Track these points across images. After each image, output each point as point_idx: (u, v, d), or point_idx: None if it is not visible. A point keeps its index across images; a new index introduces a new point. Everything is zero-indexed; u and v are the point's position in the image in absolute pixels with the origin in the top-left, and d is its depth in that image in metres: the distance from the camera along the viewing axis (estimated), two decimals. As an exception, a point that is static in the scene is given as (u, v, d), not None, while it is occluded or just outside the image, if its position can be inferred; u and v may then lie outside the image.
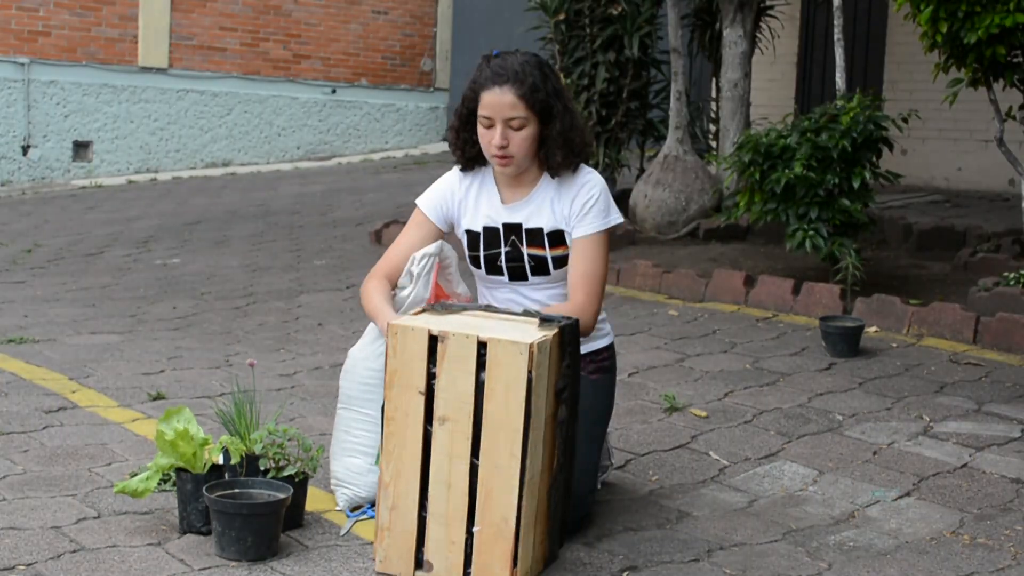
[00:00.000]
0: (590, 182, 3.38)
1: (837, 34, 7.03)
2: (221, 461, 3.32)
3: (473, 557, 2.95)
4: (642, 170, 8.91)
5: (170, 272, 7.79)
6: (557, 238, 3.37)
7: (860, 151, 6.14)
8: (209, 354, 5.41)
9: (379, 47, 15.15)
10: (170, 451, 3.22)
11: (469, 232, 3.44)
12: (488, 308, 3.20)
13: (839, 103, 6.36)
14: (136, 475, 3.30)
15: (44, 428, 4.19)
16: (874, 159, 6.27)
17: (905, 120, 6.21)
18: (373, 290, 3.35)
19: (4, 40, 12.64)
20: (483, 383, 2.89)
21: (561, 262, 3.38)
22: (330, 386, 4.65)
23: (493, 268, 3.42)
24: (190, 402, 4.51)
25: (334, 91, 14.79)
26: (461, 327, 2.95)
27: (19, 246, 9.05)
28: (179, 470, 3.23)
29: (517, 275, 3.40)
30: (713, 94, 9.52)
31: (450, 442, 2.93)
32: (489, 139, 3.30)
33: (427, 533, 2.97)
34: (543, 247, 3.37)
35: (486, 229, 3.41)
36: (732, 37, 8.06)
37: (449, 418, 2.93)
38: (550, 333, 2.97)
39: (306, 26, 14.55)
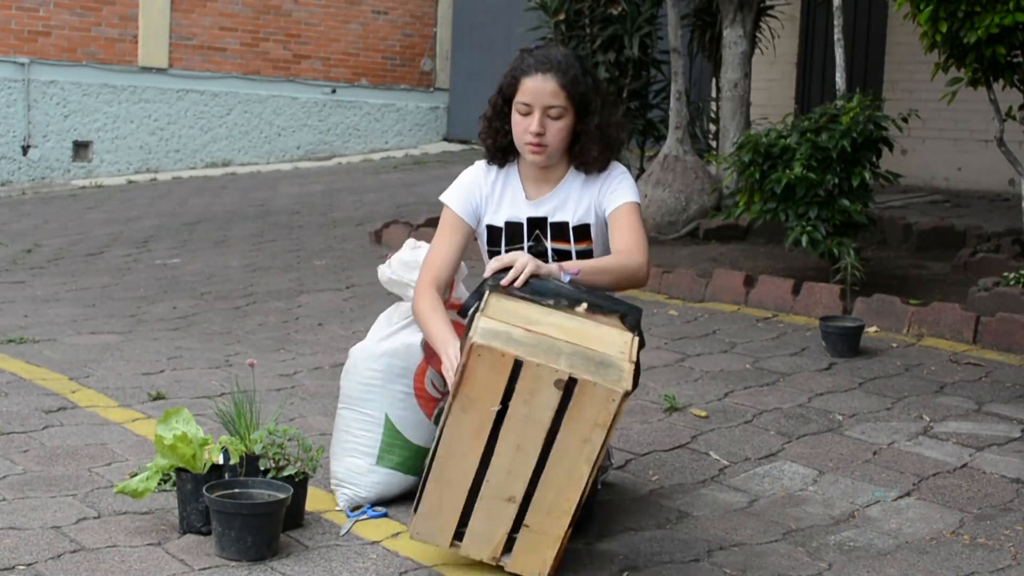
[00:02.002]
0: (619, 169, 3.39)
1: (837, 34, 7.03)
2: (221, 461, 3.32)
3: (514, 553, 2.96)
4: (642, 170, 8.91)
5: (170, 272, 7.79)
6: (582, 232, 3.36)
7: (860, 151, 6.14)
8: (209, 354, 5.41)
9: (379, 47, 15.15)
10: (170, 454, 3.22)
11: (491, 227, 3.41)
12: (543, 292, 3.02)
13: (839, 103, 6.36)
14: (136, 475, 3.30)
15: (44, 428, 4.19)
16: (874, 159, 6.27)
17: (905, 120, 6.21)
18: (432, 311, 3.23)
19: (4, 40, 12.64)
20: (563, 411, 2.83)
21: (584, 256, 3.36)
22: (330, 386, 4.65)
23: None
24: (190, 402, 4.51)
25: (334, 91, 14.79)
26: (548, 349, 2.82)
27: (19, 246, 9.05)
28: (179, 470, 3.23)
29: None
30: (713, 94, 9.52)
31: (513, 462, 2.89)
32: (525, 126, 3.27)
33: (469, 524, 2.97)
34: (568, 241, 3.35)
35: (508, 224, 3.39)
36: (732, 37, 8.06)
37: (518, 443, 2.88)
38: (631, 348, 2.88)
39: (306, 26, 14.55)
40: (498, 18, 14.49)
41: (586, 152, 3.33)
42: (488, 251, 3.43)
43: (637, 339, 2.95)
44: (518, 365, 2.81)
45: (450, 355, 3.07)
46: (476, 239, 3.50)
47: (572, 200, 3.37)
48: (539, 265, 3.05)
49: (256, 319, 6.27)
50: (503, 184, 3.43)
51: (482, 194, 3.42)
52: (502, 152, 3.41)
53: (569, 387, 2.80)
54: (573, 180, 3.39)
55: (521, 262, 3.03)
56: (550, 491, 2.90)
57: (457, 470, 2.94)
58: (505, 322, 2.89)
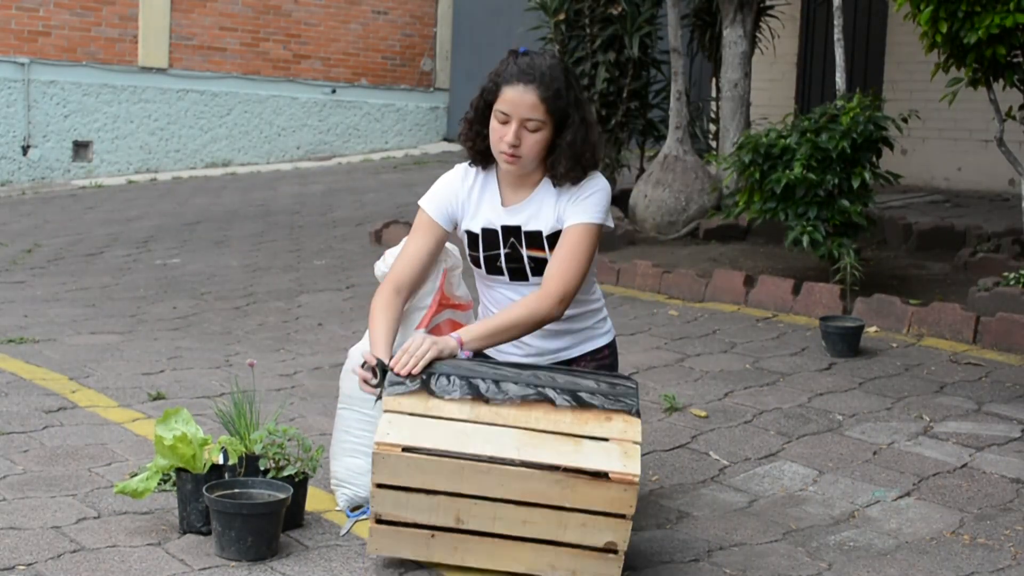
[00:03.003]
0: (593, 184, 3.33)
1: (837, 34, 7.03)
2: (221, 461, 3.32)
3: None
4: (642, 170, 8.91)
5: (170, 272, 7.79)
6: (556, 240, 3.35)
7: (860, 151, 6.14)
8: (209, 354, 5.41)
9: (379, 47, 15.15)
10: (169, 455, 3.21)
11: (469, 233, 3.41)
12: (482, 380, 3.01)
13: (839, 103, 6.36)
14: (136, 475, 3.30)
15: (44, 428, 4.19)
16: (874, 159, 6.27)
17: (905, 120, 6.21)
18: (380, 310, 3.27)
19: (4, 40, 12.64)
20: None
21: None
22: (330, 386, 4.64)
23: (493, 268, 3.40)
24: (190, 402, 4.51)
25: (334, 91, 14.79)
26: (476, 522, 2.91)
27: (19, 246, 9.04)
28: (179, 470, 3.23)
29: (518, 276, 3.38)
30: (713, 94, 9.52)
31: None
32: (501, 135, 3.25)
33: None
34: (543, 249, 3.33)
35: (484, 231, 3.38)
36: (732, 37, 8.06)
37: None
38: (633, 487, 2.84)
39: (306, 26, 14.55)
40: (498, 18, 14.49)
41: (556, 166, 3.30)
42: (469, 255, 3.43)
43: (635, 420, 2.95)
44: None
45: (372, 350, 3.16)
46: (460, 241, 3.48)
47: (546, 209, 3.34)
48: (440, 349, 3.05)
49: (256, 319, 6.27)
50: (481, 189, 3.41)
51: (459, 199, 3.41)
52: (482, 155, 3.39)
53: None
54: (547, 188, 3.35)
55: (414, 346, 3.04)
56: None
57: None
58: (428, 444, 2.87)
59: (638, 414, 2.99)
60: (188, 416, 3.28)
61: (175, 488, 3.27)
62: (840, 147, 6.02)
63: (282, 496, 3.12)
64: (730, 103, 8.11)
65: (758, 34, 8.74)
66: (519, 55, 3.31)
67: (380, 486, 2.88)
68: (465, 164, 3.46)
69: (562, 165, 3.28)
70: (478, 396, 2.96)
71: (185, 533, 3.23)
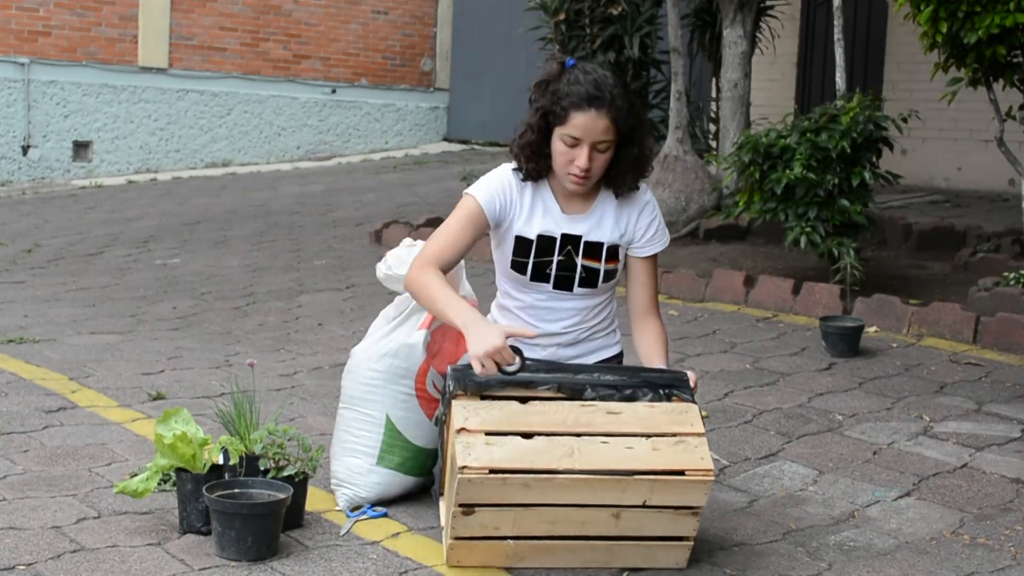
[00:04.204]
0: (651, 201, 3.40)
1: (837, 34, 7.03)
2: (221, 461, 3.32)
3: None
4: (642, 170, 8.89)
5: (170, 272, 7.79)
6: (613, 252, 3.34)
7: (860, 151, 6.14)
8: (209, 354, 5.41)
9: (379, 47, 15.15)
10: (169, 454, 3.21)
11: (520, 238, 3.31)
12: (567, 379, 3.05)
13: (839, 103, 6.36)
14: (136, 475, 3.30)
15: (44, 428, 4.19)
16: (874, 159, 6.27)
17: (905, 120, 6.21)
18: (431, 279, 3.15)
19: (4, 40, 12.64)
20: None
21: (609, 276, 3.35)
22: (330, 386, 4.65)
23: (540, 276, 3.33)
24: (190, 402, 4.51)
25: (334, 91, 14.79)
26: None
27: (19, 246, 9.04)
28: (179, 470, 3.23)
29: (563, 284, 3.33)
30: (713, 94, 9.52)
31: None
32: (571, 158, 3.19)
33: None
34: (599, 260, 3.32)
35: (541, 237, 3.30)
36: (732, 37, 8.06)
37: None
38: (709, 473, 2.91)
39: (306, 26, 14.54)
40: (498, 18, 14.49)
41: (620, 178, 3.30)
42: (513, 260, 3.33)
43: (694, 408, 3.01)
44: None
45: (456, 319, 3.04)
46: (494, 243, 3.42)
47: (608, 221, 3.34)
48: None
49: (256, 319, 6.27)
50: (533, 194, 3.33)
51: (511, 198, 3.31)
52: (538, 172, 3.31)
53: None
54: (607, 200, 3.35)
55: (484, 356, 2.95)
56: None
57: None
58: (497, 449, 2.88)
59: (693, 400, 3.05)
60: (188, 416, 3.28)
61: (175, 488, 3.27)
62: (840, 147, 6.02)
63: (282, 496, 3.12)
64: (730, 103, 8.11)
65: (758, 34, 8.74)
66: (575, 71, 3.22)
67: (463, 506, 2.87)
68: (512, 166, 3.35)
69: (628, 178, 3.31)
70: (558, 390, 3.02)
71: (185, 533, 3.23)
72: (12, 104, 12.69)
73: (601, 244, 3.32)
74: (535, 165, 3.29)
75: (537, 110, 3.24)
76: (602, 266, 3.33)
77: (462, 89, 15.38)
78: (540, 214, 3.32)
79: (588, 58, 8.51)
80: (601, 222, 3.34)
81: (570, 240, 3.32)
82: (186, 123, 13.79)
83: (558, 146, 3.21)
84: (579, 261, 3.32)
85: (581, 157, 3.18)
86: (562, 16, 8.59)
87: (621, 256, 3.37)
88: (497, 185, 3.32)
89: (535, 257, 3.31)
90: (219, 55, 13.96)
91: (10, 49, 12.66)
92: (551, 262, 3.31)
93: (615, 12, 8.49)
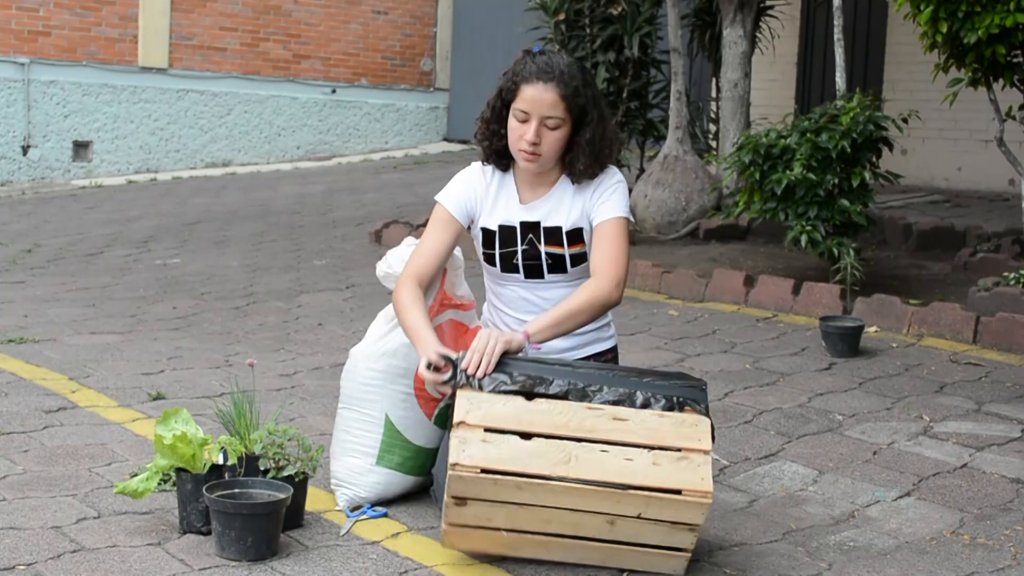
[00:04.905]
0: (612, 178, 3.38)
1: (837, 34, 7.03)
2: (221, 461, 3.32)
3: None
4: (642, 170, 8.90)
5: (170, 272, 7.79)
6: (576, 236, 3.36)
7: (860, 151, 6.14)
8: (209, 354, 5.41)
9: (379, 47, 15.15)
10: (169, 454, 3.21)
11: (485, 230, 3.41)
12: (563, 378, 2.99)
13: (839, 103, 6.36)
14: (136, 475, 3.30)
15: (44, 428, 4.19)
16: (874, 159, 6.28)
17: (905, 120, 6.21)
18: (411, 303, 3.24)
19: (4, 40, 12.64)
20: None
21: (579, 259, 3.37)
22: (330, 386, 4.65)
23: (509, 266, 3.40)
24: (190, 402, 4.51)
25: (334, 91, 14.79)
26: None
27: (19, 246, 9.05)
28: (179, 470, 3.22)
29: (533, 273, 3.39)
30: (713, 94, 9.52)
31: None
32: (521, 133, 3.26)
33: None
34: (561, 245, 3.36)
35: (502, 227, 3.39)
36: (732, 37, 8.06)
37: None
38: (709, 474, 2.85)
39: (306, 26, 14.55)
40: (498, 18, 14.49)
41: (575, 163, 3.33)
42: (483, 253, 3.44)
43: (706, 422, 2.92)
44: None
45: (420, 350, 3.11)
46: (473, 239, 3.49)
47: (565, 204, 3.37)
48: (508, 341, 3.00)
49: (256, 319, 6.27)
50: (498, 186, 3.42)
51: (477, 195, 3.42)
52: (498, 154, 3.40)
53: None
54: (566, 185, 3.39)
55: (482, 344, 2.98)
56: None
57: None
58: (495, 451, 2.86)
59: (707, 413, 2.94)
60: (188, 416, 3.28)
61: (175, 488, 3.27)
62: (840, 147, 6.02)
63: (282, 496, 3.12)
64: (730, 103, 8.11)
65: (758, 34, 8.74)
66: (535, 54, 3.31)
67: (455, 498, 2.88)
68: (480, 163, 3.46)
69: (581, 162, 3.31)
70: (559, 394, 2.93)
71: (185, 533, 3.23)
72: (12, 104, 12.69)
73: (560, 228, 3.35)
74: (490, 144, 3.37)
75: (496, 90, 3.34)
76: (567, 251, 3.35)
77: (462, 89, 15.38)
78: (502, 205, 3.40)
79: (588, 58, 8.52)
80: (559, 206, 3.36)
81: (530, 228, 3.37)
82: (186, 123, 13.79)
83: (511, 123, 3.29)
84: (542, 248, 3.35)
85: (529, 131, 3.24)
86: (562, 16, 8.58)
87: (587, 238, 3.37)
88: (462, 186, 3.42)
89: (500, 248, 3.38)
90: (219, 55, 13.97)
91: (10, 49, 12.67)
92: (516, 252, 3.37)
93: (615, 12, 8.48)
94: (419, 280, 3.31)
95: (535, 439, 2.87)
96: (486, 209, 3.41)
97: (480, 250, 3.45)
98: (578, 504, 2.86)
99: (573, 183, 3.36)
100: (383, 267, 3.57)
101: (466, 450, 2.83)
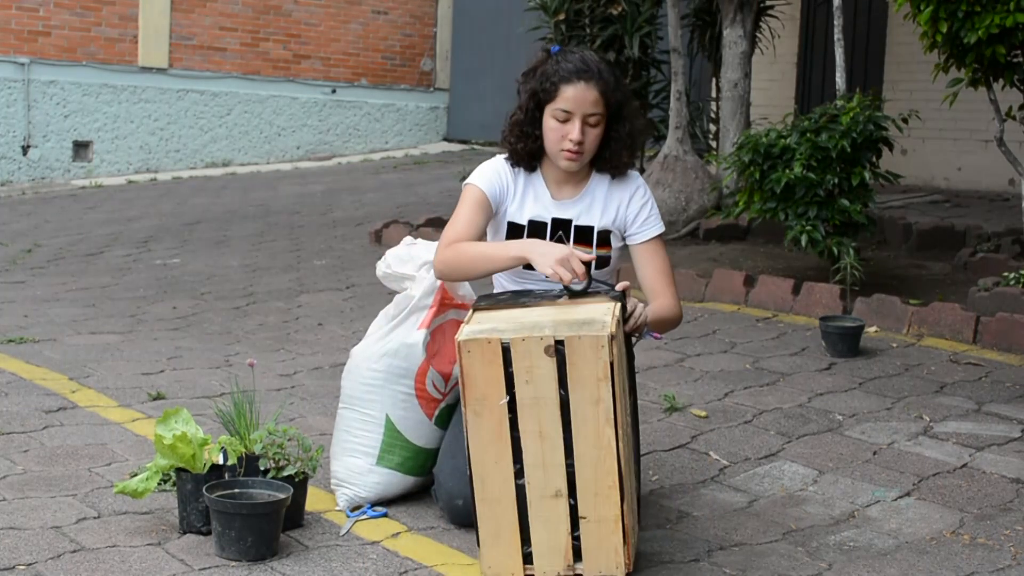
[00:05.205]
0: (642, 186, 3.42)
1: (837, 34, 7.03)
2: (221, 461, 3.32)
3: (584, 554, 2.94)
4: (642, 170, 8.90)
5: (170, 272, 7.79)
6: (604, 238, 3.37)
7: (860, 151, 6.14)
8: (209, 354, 5.41)
9: (379, 47, 15.15)
10: (169, 454, 3.22)
11: (512, 224, 3.38)
12: (525, 295, 3.15)
13: (839, 103, 6.36)
14: (136, 475, 3.30)
15: (44, 428, 4.19)
16: (874, 159, 6.27)
17: (905, 120, 6.21)
18: (463, 245, 3.25)
19: (4, 40, 12.64)
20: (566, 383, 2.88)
21: (603, 263, 3.36)
22: (330, 386, 4.65)
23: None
24: (190, 402, 4.51)
25: (334, 91, 14.79)
26: (531, 327, 2.89)
27: (19, 246, 9.05)
28: (179, 470, 3.23)
29: None
30: (713, 94, 9.52)
31: (542, 451, 2.91)
32: (563, 133, 3.26)
33: (532, 537, 2.96)
34: (590, 245, 3.36)
35: (532, 223, 3.37)
36: (732, 37, 8.06)
37: (539, 429, 2.90)
38: (614, 310, 2.96)
39: (306, 26, 14.54)
40: (498, 18, 14.49)
41: (615, 157, 3.35)
42: None
43: (619, 304, 3.02)
44: (507, 350, 2.86)
45: (517, 252, 3.16)
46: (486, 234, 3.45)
47: (598, 205, 3.37)
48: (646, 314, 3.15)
49: (256, 319, 6.27)
50: (525, 181, 3.40)
51: (506, 183, 3.39)
52: (530, 156, 3.37)
53: (561, 353, 2.85)
54: (598, 184, 3.39)
55: (633, 304, 3.12)
56: (588, 469, 2.90)
57: (496, 482, 2.93)
58: (487, 322, 2.97)
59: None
60: (188, 416, 3.28)
61: (175, 488, 3.27)
62: (840, 147, 6.02)
63: (282, 496, 3.12)
64: (730, 103, 8.11)
65: (758, 34, 8.74)
66: (561, 53, 3.32)
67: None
68: (502, 158, 3.43)
69: (623, 155, 3.35)
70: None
71: (185, 533, 3.23)
72: (12, 104, 12.69)
73: (591, 228, 3.36)
74: (524, 146, 3.35)
75: (527, 92, 3.32)
76: (594, 251, 3.35)
77: (462, 89, 15.38)
78: (531, 200, 3.38)
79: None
80: (591, 206, 3.37)
81: (561, 225, 3.37)
82: (186, 123, 13.79)
83: (550, 123, 3.28)
84: (570, 247, 3.33)
85: (574, 130, 3.25)
86: (562, 16, 8.58)
87: (614, 244, 3.39)
88: (492, 172, 3.40)
89: None
90: (219, 55, 13.96)
91: (10, 49, 12.67)
92: None
93: (615, 12, 8.48)
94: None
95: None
96: (514, 202, 3.38)
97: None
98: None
99: (612, 178, 3.38)
100: (383, 267, 3.57)
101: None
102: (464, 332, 2.91)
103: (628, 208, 3.38)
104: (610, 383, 2.86)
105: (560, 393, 2.87)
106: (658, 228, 3.41)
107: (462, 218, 3.33)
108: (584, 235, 3.36)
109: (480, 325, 2.95)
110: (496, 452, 2.91)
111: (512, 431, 2.90)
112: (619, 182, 3.39)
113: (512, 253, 3.17)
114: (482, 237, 3.36)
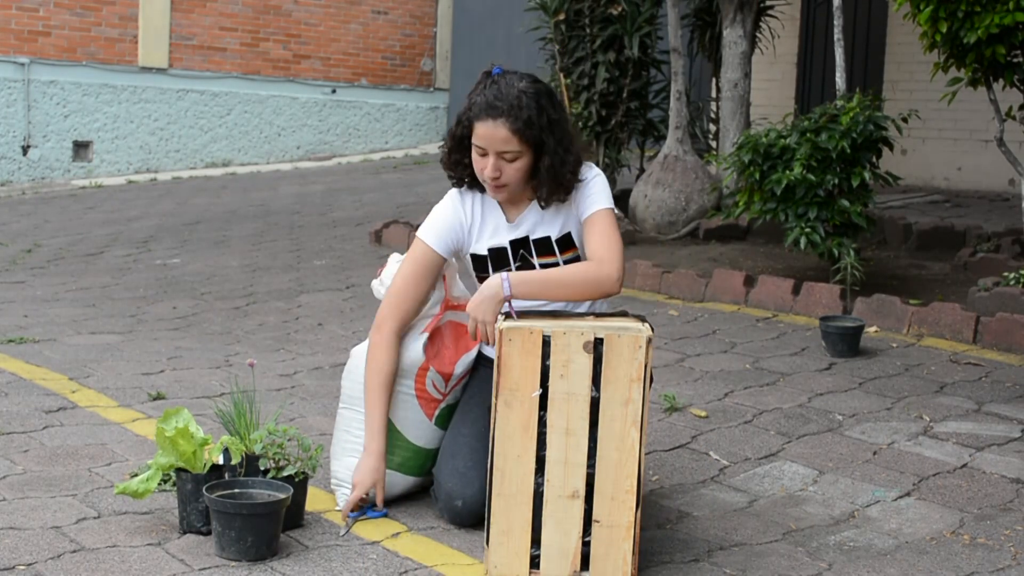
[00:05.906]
0: (589, 170, 3.34)
1: (837, 34, 7.03)
2: (221, 461, 3.32)
3: (592, 562, 2.95)
4: (642, 170, 8.90)
5: (170, 272, 7.79)
6: (566, 242, 3.36)
7: (860, 151, 6.14)
8: (209, 354, 5.41)
9: (379, 47, 15.15)
10: (170, 448, 3.22)
11: (475, 256, 3.39)
12: (554, 313, 3.17)
13: (839, 103, 6.36)
14: (136, 475, 3.30)
15: (44, 428, 4.19)
16: (874, 159, 6.27)
17: (905, 120, 6.21)
18: (374, 371, 3.34)
19: (4, 40, 12.64)
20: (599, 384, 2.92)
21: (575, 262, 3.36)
22: (330, 386, 4.65)
23: None
24: (190, 402, 4.51)
25: (334, 91, 14.80)
26: (571, 327, 2.94)
27: (19, 246, 9.05)
28: (179, 470, 3.23)
29: None
30: (713, 94, 9.52)
31: (566, 448, 2.93)
32: (482, 167, 3.25)
33: (542, 539, 2.97)
34: (554, 254, 3.35)
35: (492, 250, 3.37)
36: (732, 37, 8.06)
37: (566, 426, 2.93)
38: (647, 325, 2.99)
39: (306, 26, 14.55)
40: (498, 18, 14.49)
41: (539, 190, 3.30)
42: (477, 276, 3.42)
43: (647, 324, 3.04)
44: (547, 343, 2.90)
45: (365, 472, 3.32)
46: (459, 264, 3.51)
47: (549, 214, 3.35)
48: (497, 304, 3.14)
49: (256, 319, 6.27)
50: (483, 209, 3.39)
51: (463, 228, 3.38)
52: (471, 181, 3.37)
53: (598, 352, 2.90)
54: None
55: (475, 321, 3.16)
56: (608, 471, 2.93)
57: (515, 477, 2.95)
58: (526, 322, 3.01)
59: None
60: (189, 416, 3.28)
61: (175, 488, 3.27)
62: (840, 147, 6.02)
63: (282, 496, 3.12)
64: (730, 103, 8.11)
65: (758, 34, 8.74)
66: (490, 80, 3.25)
67: None
68: (456, 190, 3.42)
69: (545, 189, 3.28)
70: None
71: (185, 533, 3.23)
72: (12, 104, 12.69)
73: (549, 238, 3.35)
74: (455, 175, 3.37)
75: (456, 120, 3.32)
76: (559, 258, 3.34)
77: (462, 89, 15.33)
78: (490, 228, 3.38)
79: (588, 58, 8.52)
80: (543, 218, 3.35)
81: (520, 244, 3.36)
82: (186, 123, 13.79)
83: (474, 156, 3.28)
84: (535, 261, 3.35)
85: (488, 166, 3.23)
86: (562, 16, 8.58)
87: (578, 242, 3.36)
88: (443, 221, 3.39)
89: (494, 269, 3.36)
90: (219, 55, 13.97)
91: (10, 49, 12.67)
92: (511, 270, 3.34)
93: (615, 12, 8.47)
94: (400, 327, 3.37)
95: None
96: (474, 236, 3.39)
97: (473, 275, 3.43)
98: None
99: (543, 209, 3.32)
100: (377, 285, 3.58)
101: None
102: (505, 324, 2.97)
103: (576, 197, 3.32)
104: (642, 385, 2.90)
105: (592, 393, 2.91)
106: (603, 202, 3.28)
107: (404, 288, 3.37)
108: (545, 247, 3.35)
109: (520, 322, 3.00)
110: (521, 446, 2.94)
111: (539, 427, 2.94)
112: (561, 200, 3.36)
113: (365, 433, 3.36)
114: (424, 297, 3.40)
